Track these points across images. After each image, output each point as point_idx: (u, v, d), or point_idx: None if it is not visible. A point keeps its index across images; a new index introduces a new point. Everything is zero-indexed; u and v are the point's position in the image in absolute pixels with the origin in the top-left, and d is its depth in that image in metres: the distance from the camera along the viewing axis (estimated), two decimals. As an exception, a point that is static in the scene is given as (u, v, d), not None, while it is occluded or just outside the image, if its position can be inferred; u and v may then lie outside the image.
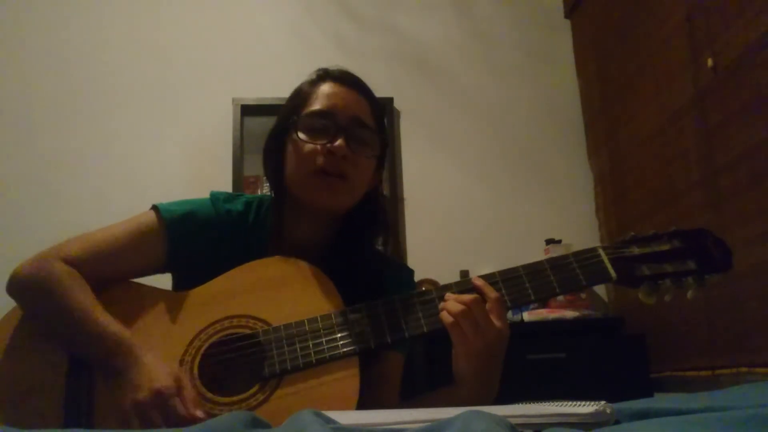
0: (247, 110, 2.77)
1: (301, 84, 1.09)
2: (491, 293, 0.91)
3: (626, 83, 2.56)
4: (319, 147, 1.00)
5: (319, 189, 1.00)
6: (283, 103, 1.11)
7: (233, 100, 2.77)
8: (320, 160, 0.99)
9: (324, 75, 1.07)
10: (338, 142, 0.99)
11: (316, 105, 1.03)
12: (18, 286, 0.95)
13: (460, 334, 0.88)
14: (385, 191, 1.21)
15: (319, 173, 0.99)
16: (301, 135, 1.01)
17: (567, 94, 2.96)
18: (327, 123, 1.01)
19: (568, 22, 3.06)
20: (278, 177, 1.06)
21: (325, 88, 1.05)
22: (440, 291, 0.94)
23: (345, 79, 1.07)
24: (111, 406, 0.86)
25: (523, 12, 3.04)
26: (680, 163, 2.16)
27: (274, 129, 1.09)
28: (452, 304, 0.90)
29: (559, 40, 3.03)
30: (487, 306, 0.89)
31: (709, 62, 1.96)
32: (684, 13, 2.12)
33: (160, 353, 0.89)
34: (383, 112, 1.11)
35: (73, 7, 2.84)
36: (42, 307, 0.93)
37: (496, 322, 0.89)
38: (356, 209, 1.08)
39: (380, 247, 1.14)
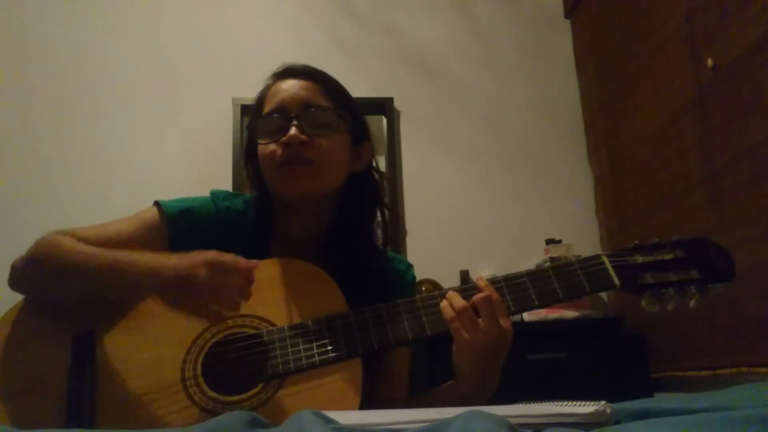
0: (247, 110, 2.76)
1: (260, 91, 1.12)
2: (495, 294, 0.91)
3: (626, 83, 2.56)
4: (276, 143, 1.02)
5: (284, 180, 1.02)
6: None
7: (233, 100, 2.77)
8: (279, 153, 1.01)
9: (274, 76, 1.10)
10: (290, 131, 1.00)
11: (268, 106, 1.06)
12: (19, 265, 0.96)
13: (458, 328, 0.89)
14: (385, 189, 1.20)
15: (281, 166, 1.01)
16: (260, 140, 1.04)
17: (567, 94, 2.96)
18: (278, 119, 1.03)
19: (568, 22, 3.06)
20: (258, 183, 1.09)
21: (274, 87, 1.07)
22: (443, 293, 0.95)
23: (291, 71, 1.08)
24: (114, 402, 0.86)
25: (523, 12, 3.04)
26: (680, 163, 2.16)
27: (246, 142, 1.11)
28: (455, 297, 0.91)
29: (559, 40, 3.03)
30: (491, 304, 0.89)
31: (709, 62, 1.96)
32: (684, 13, 2.12)
33: (163, 351, 0.90)
34: (341, 89, 1.10)
35: (73, 7, 2.84)
36: (48, 267, 0.93)
37: (501, 322, 0.89)
38: (347, 192, 1.09)
39: (381, 235, 1.14)
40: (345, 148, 1.07)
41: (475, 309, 0.89)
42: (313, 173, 1.02)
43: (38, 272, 0.95)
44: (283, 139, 1.00)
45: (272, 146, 1.02)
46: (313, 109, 1.03)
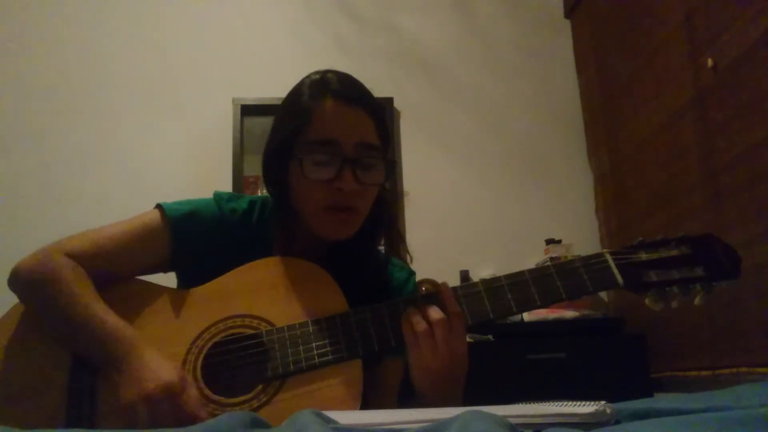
0: (247, 110, 2.77)
1: (299, 92, 1.01)
2: (453, 308, 0.90)
3: (626, 83, 2.56)
4: (325, 184, 0.96)
5: (329, 225, 0.98)
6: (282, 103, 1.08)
7: (233, 100, 2.77)
8: (328, 197, 0.96)
9: (323, 89, 0.98)
10: (345, 178, 0.94)
11: (318, 131, 0.96)
12: (20, 279, 0.95)
13: (418, 353, 0.88)
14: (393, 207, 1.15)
15: (328, 210, 0.97)
16: (306, 169, 0.95)
17: (567, 94, 2.96)
18: (331, 154, 0.95)
19: (568, 22, 3.06)
20: (282, 198, 1.03)
21: (326, 107, 0.97)
22: (443, 293, 0.93)
23: (346, 93, 0.98)
24: (114, 405, 0.86)
25: (523, 12, 3.04)
26: (680, 163, 2.16)
27: (273, 146, 1.02)
28: (417, 320, 0.89)
29: (559, 40, 3.03)
30: (449, 324, 0.88)
31: (709, 62, 1.96)
32: (684, 13, 2.12)
33: (163, 352, 0.89)
34: (386, 118, 1.04)
35: (73, 7, 2.84)
36: (43, 301, 0.93)
37: (453, 344, 0.88)
38: None
39: (383, 245, 1.12)
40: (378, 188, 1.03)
41: (434, 330, 0.88)
42: (356, 220, 1.00)
43: (31, 298, 0.95)
44: (338, 185, 0.94)
45: (320, 184, 0.95)
46: (366, 152, 0.97)
